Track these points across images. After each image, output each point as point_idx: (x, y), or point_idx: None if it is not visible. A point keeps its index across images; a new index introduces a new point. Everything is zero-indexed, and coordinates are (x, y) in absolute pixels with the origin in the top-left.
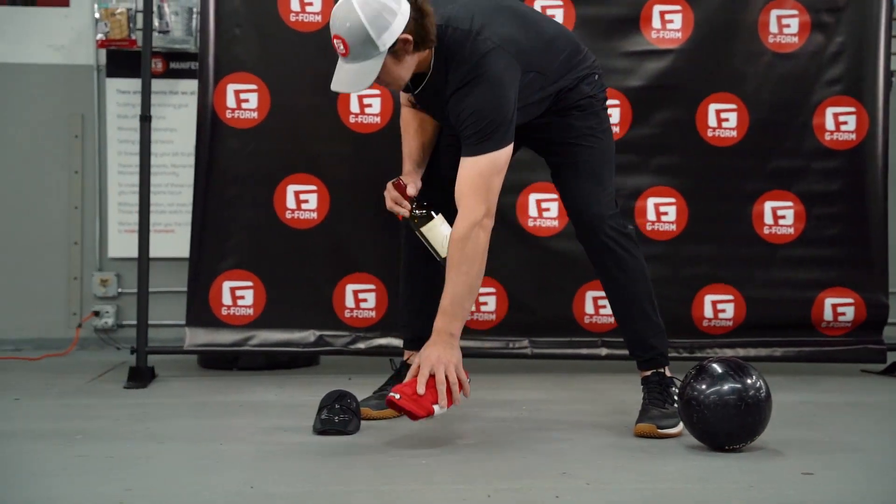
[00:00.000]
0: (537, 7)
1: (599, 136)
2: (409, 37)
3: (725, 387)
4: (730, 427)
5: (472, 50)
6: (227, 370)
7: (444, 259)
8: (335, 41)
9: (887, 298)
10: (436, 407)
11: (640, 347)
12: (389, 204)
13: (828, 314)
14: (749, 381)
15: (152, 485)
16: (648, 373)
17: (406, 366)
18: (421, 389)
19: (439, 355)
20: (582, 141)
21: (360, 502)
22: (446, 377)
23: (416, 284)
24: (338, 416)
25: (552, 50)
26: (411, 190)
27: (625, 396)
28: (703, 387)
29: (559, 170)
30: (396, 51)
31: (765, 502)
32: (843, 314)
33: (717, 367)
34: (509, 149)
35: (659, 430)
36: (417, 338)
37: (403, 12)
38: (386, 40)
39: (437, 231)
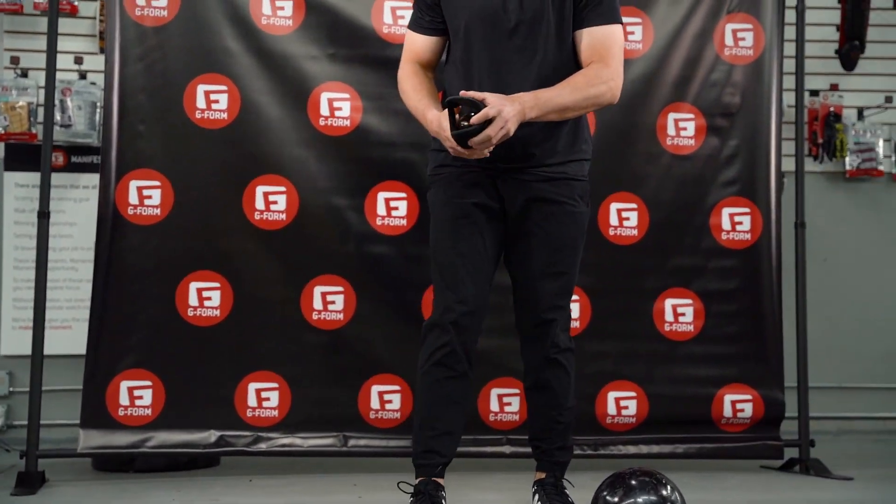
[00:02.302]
0: None
1: (583, 218)
2: None
3: (640, 499)
4: None
5: None
6: (123, 473)
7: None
8: None
9: (783, 395)
10: None
11: (559, 454)
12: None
13: (727, 410)
14: (665, 492)
15: None
16: (544, 475)
17: (433, 484)
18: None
19: (513, 117)
20: (566, 218)
21: None
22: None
23: (449, 408)
24: None
25: None
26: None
27: (526, 496)
28: (616, 500)
29: (529, 255)
30: None
31: None
32: (742, 410)
33: (631, 479)
34: None
35: None
36: (445, 463)
37: None
38: None
39: None
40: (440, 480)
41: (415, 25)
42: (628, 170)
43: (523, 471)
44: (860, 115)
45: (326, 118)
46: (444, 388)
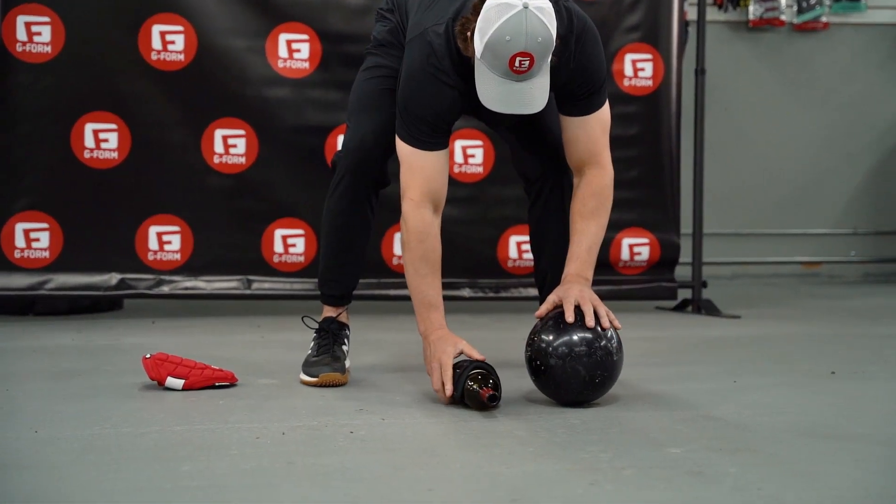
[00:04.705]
0: None
1: None
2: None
3: (576, 336)
4: (579, 381)
5: (565, 11)
6: (23, 316)
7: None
8: (519, 59)
9: (679, 238)
10: (170, 379)
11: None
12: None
13: (625, 254)
14: (599, 328)
15: None
16: None
17: (337, 324)
18: (570, 318)
19: (581, 290)
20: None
21: (150, 443)
22: (594, 309)
23: (353, 240)
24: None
25: None
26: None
27: None
28: (552, 338)
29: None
30: None
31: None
32: (639, 254)
33: (566, 317)
34: None
35: None
36: (345, 294)
37: None
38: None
39: None
40: (345, 320)
41: (425, 144)
42: None
43: None
44: None
45: None
46: (347, 220)
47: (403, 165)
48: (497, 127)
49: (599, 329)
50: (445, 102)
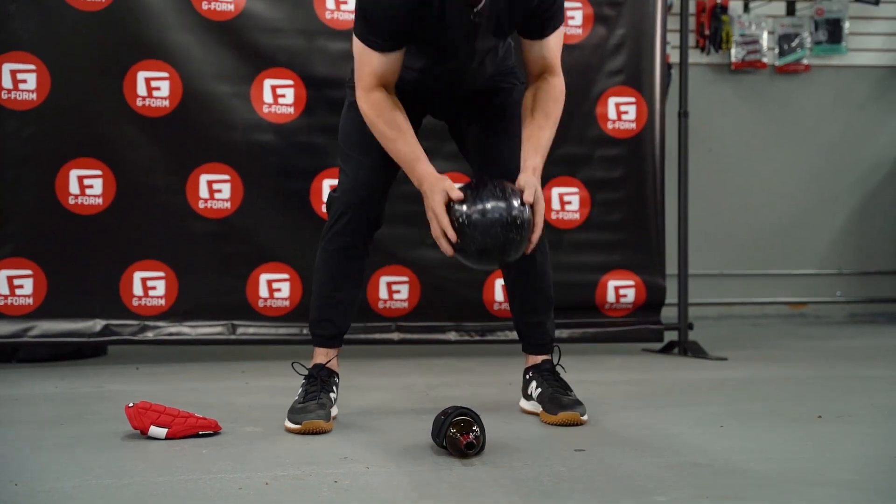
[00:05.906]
0: None
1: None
2: None
3: (489, 205)
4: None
5: None
6: (6, 363)
7: None
8: None
9: (664, 280)
10: (153, 428)
11: (539, 331)
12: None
13: (611, 296)
14: (515, 202)
15: None
16: (539, 359)
17: (327, 371)
18: (529, 199)
19: (539, 191)
20: (513, 87)
21: (131, 495)
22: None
23: (347, 280)
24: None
25: None
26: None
27: (415, 380)
28: (465, 208)
29: (489, 129)
30: None
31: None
32: (625, 296)
33: (481, 186)
34: None
35: (582, 418)
36: (337, 335)
37: None
38: None
39: None
40: (335, 367)
41: (378, 46)
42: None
43: (411, 357)
44: (746, 7)
45: (210, 1)
46: (342, 260)
47: (356, 60)
48: (457, 120)
49: (514, 203)
50: (402, 8)
